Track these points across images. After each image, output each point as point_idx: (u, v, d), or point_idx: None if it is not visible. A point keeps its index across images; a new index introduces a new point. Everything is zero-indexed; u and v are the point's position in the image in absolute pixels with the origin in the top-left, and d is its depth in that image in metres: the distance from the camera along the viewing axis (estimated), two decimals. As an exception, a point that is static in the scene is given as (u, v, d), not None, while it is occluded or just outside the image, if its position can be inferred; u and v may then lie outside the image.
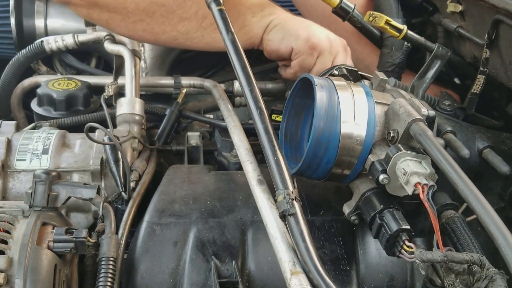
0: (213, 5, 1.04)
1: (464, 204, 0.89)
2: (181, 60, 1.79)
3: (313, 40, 1.26)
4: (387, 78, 0.98)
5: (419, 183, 0.78)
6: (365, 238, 0.97)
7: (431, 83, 1.17)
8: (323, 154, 0.89)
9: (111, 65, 1.56)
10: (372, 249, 0.96)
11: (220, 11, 1.02)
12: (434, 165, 0.80)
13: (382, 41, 1.38)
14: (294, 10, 1.74)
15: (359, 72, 1.04)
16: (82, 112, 1.36)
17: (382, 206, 0.85)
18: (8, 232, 0.83)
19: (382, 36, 1.38)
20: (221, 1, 1.04)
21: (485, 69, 1.13)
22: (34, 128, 1.26)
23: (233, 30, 1.00)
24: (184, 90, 1.46)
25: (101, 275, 0.86)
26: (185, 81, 1.52)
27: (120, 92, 1.38)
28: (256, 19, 1.28)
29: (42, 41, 1.52)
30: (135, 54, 1.37)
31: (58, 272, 0.83)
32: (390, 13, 1.37)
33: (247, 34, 1.29)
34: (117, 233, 0.96)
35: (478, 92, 1.15)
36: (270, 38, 1.30)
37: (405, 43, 1.31)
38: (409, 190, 0.80)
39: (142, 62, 1.65)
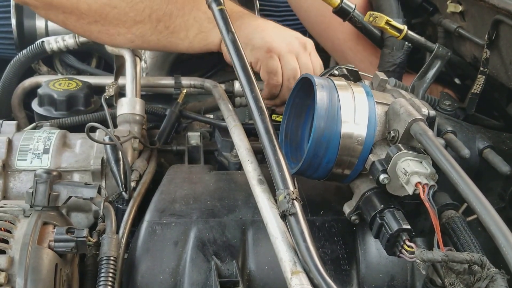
0: (213, 5, 1.04)
1: (465, 204, 0.89)
2: (181, 60, 1.80)
3: (268, 45, 1.23)
4: (387, 78, 0.99)
5: (419, 182, 0.78)
6: (365, 238, 0.97)
7: (431, 83, 1.17)
8: (324, 154, 0.89)
9: (111, 65, 1.56)
10: (373, 249, 0.96)
11: (221, 11, 1.02)
12: (435, 165, 0.80)
13: (383, 41, 1.38)
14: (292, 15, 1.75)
15: (359, 72, 1.04)
16: (83, 112, 1.36)
17: (382, 206, 0.85)
18: (9, 232, 0.83)
19: (383, 36, 1.38)
20: (222, 1, 1.04)
21: (485, 69, 1.13)
22: (35, 128, 1.26)
23: (233, 30, 1.00)
24: (185, 90, 1.46)
25: (102, 274, 0.86)
26: (186, 81, 1.52)
27: (120, 92, 1.38)
28: (212, 25, 1.25)
29: (43, 41, 1.52)
30: (135, 54, 1.37)
31: (59, 271, 0.83)
32: (391, 13, 1.37)
33: (204, 40, 1.27)
34: (117, 232, 0.96)
35: (478, 92, 1.15)
36: (225, 50, 1.24)
37: (406, 43, 1.31)
38: (410, 190, 0.80)
39: (143, 62, 1.65)
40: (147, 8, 1.22)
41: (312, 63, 1.27)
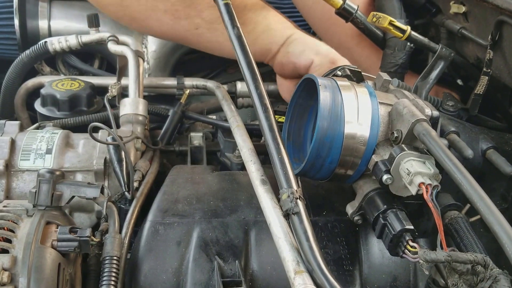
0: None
1: (468, 205, 0.88)
2: (184, 61, 1.80)
3: (332, 55, 1.24)
4: (390, 79, 0.99)
5: (423, 183, 0.78)
6: (368, 238, 0.97)
7: (434, 84, 1.17)
8: (327, 154, 0.89)
9: (114, 66, 1.56)
10: (375, 249, 0.96)
11: (226, 5, 1.01)
12: (438, 165, 0.80)
13: (385, 42, 1.38)
14: (295, 12, 1.75)
15: (362, 73, 1.04)
16: (86, 113, 1.36)
17: (385, 206, 0.85)
18: (12, 231, 0.83)
19: (385, 37, 1.38)
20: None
21: (489, 70, 1.13)
22: (37, 128, 1.27)
23: (238, 25, 0.99)
24: (187, 91, 1.46)
25: (105, 274, 0.86)
26: (188, 82, 1.52)
27: (123, 93, 1.38)
28: (281, 26, 1.26)
29: (45, 42, 1.52)
30: (138, 55, 1.37)
31: (62, 271, 0.83)
32: (393, 14, 1.37)
33: (269, 38, 1.26)
34: (120, 232, 0.96)
35: (481, 93, 1.15)
36: (289, 50, 1.28)
37: (408, 43, 1.31)
38: (413, 190, 0.80)
39: (145, 63, 1.66)
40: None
41: None
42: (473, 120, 1.17)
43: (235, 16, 1.01)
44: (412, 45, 1.32)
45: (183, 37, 1.33)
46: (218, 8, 1.03)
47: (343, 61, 1.24)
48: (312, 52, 1.25)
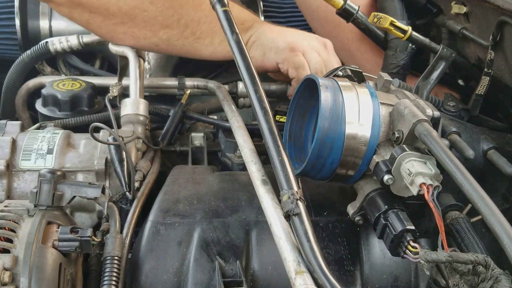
0: (217, 6, 1.04)
1: (469, 205, 0.88)
2: (185, 61, 1.79)
3: (291, 45, 1.28)
4: (391, 79, 0.99)
5: (424, 183, 0.78)
6: (369, 239, 0.97)
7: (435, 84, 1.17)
8: (328, 154, 0.89)
9: (115, 66, 1.56)
10: (376, 249, 0.96)
11: (225, 12, 1.02)
12: (439, 165, 0.80)
13: (386, 43, 1.38)
14: (296, 12, 1.75)
15: (363, 73, 1.04)
16: (87, 113, 1.36)
17: (386, 206, 0.85)
18: (14, 231, 0.83)
19: (386, 37, 1.38)
20: (226, 2, 1.04)
21: (490, 71, 1.13)
22: (38, 128, 1.27)
23: (237, 31, 1.00)
24: (188, 91, 1.46)
25: (106, 274, 0.86)
26: (189, 82, 1.52)
27: (124, 93, 1.38)
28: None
29: (46, 42, 1.53)
30: (139, 55, 1.37)
31: (63, 271, 0.83)
32: (395, 14, 1.37)
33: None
34: (121, 232, 0.96)
35: (482, 93, 1.15)
36: (252, 55, 1.29)
37: (410, 44, 1.31)
38: (414, 191, 0.80)
39: (146, 63, 1.65)
40: (176, 14, 1.23)
41: (332, 59, 1.31)
42: (474, 121, 1.17)
43: (234, 22, 1.02)
44: (413, 46, 1.32)
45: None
46: (217, 15, 1.04)
47: (301, 45, 1.28)
48: (272, 53, 1.29)
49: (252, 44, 1.32)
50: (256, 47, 1.32)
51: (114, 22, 1.23)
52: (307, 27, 1.68)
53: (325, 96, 0.89)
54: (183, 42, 1.28)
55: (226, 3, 1.05)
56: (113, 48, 1.41)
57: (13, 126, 1.18)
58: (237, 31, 1.01)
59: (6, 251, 0.81)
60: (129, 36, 1.27)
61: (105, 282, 0.85)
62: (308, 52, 1.28)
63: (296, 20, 1.77)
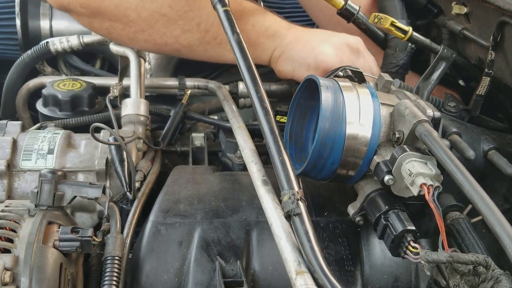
0: (218, 6, 1.04)
1: (469, 206, 0.89)
2: (185, 61, 1.79)
3: (322, 65, 1.23)
4: (392, 80, 0.99)
5: (424, 184, 0.78)
6: (369, 239, 0.97)
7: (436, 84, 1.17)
8: (328, 155, 0.89)
9: (115, 66, 1.57)
10: (377, 250, 0.96)
11: (226, 12, 1.02)
12: (440, 166, 0.80)
13: (386, 43, 1.38)
14: (297, 12, 1.75)
15: (363, 74, 1.04)
16: (87, 113, 1.36)
17: (387, 207, 0.85)
18: (14, 231, 0.83)
19: (386, 37, 1.38)
20: (227, 2, 1.04)
21: (490, 71, 1.13)
22: (39, 128, 1.27)
23: (238, 31, 1.00)
24: (189, 92, 1.46)
25: (107, 274, 0.86)
26: (190, 82, 1.52)
27: (125, 93, 1.38)
28: (260, 41, 1.25)
29: (47, 42, 1.53)
30: (140, 55, 1.37)
31: (63, 271, 0.83)
32: (395, 14, 1.37)
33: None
34: (122, 232, 0.96)
35: (483, 93, 1.15)
36: (280, 69, 1.28)
37: (409, 44, 1.31)
38: (415, 191, 0.80)
39: (147, 63, 1.66)
40: (196, 17, 1.21)
41: (367, 62, 1.28)
42: (475, 121, 1.17)
43: (235, 22, 1.01)
44: (413, 46, 1.32)
45: (174, 55, 1.41)
46: (218, 15, 1.04)
47: (333, 64, 1.21)
48: (302, 69, 1.25)
49: (279, 58, 1.28)
50: (283, 61, 1.28)
51: (134, 30, 1.22)
52: (310, 22, 1.68)
53: (326, 97, 0.89)
54: (205, 47, 1.26)
55: (227, 2, 1.05)
56: (113, 48, 1.41)
57: (13, 126, 1.18)
58: (238, 31, 1.01)
59: (7, 251, 0.81)
60: (150, 43, 1.26)
61: (106, 282, 0.85)
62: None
63: (297, 20, 1.77)
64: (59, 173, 0.93)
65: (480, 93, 1.15)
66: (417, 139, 0.84)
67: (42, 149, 1.13)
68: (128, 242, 0.97)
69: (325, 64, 1.23)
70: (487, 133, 1.07)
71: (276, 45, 1.28)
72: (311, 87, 0.98)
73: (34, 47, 1.53)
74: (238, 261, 0.93)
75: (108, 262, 0.87)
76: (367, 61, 1.28)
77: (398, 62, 1.35)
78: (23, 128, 1.19)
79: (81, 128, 1.26)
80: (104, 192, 0.96)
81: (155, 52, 1.36)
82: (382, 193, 0.88)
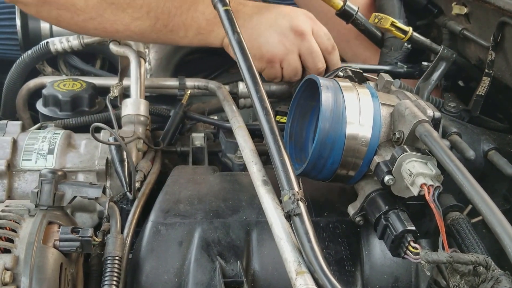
0: (219, 5, 1.04)
1: (469, 206, 0.89)
2: (185, 61, 1.80)
3: (267, 55, 1.25)
4: (392, 80, 0.99)
5: (424, 184, 0.78)
6: (369, 239, 0.97)
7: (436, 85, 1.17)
8: (328, 155, 0.89)
9: (115, 66, 1.57)
10: (377, 250, 0.96)
11: (226, 11, 1.02)
12: (440, 166, 0.80)
13: (383, 42, 1.38)
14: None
15: (364, 74, 1.04)
16: (87, 113, 1.36)
17: (387, 207, 0.85)
18: (14, 231, 0.83)
19: (383, 36, 1.38)
20: (227, 2, 1.04)
21: (491, 71, 1.13)
22: (39, 128, 1.27)
23: (239, 30, 1.00)
24: (189, 92, 1.46)
25: (107, 274, 0.86)
26: (190, 82, 1.52)
27: (125, 93, 1.38)
28: (210, 27, 1.26)
29: (47, 42, 1.53)
30: (140, 55, 1.37)
31: (64, 271, 0.83)
32: (393, 13, 1.37)
33: (203, 41, 1.28)
34: (122, 232, 0.96)
35: (483, 94, 1.15)
36: (232, 55, 1.27)
37: (405, 44, 1.31)
38: (415, 191, 0.80)
39: (147, 63, 1.66)
40: (145, 5, 1.21)
41: (312, 46, 1.27)
42: (475, 121, 1.17)
43: (235, 22, 1.01)
44: (409, 45, 1.32)
45: (126, 40, 1.40)
46: (218, 14, 1.03)
47: (277, 55, 1.24)
48: (256, 44, 1.24)
49: (228, 47, 1.27)
50: (231, 50, 1.27)
51: (83, 18, 1.21)
52: None
53: (326, 97, 0.89)
54: (157, 34, 1.26)
55: (228, 2, 1.05)
56: (114, 48, 1.41)
57: (13, 126, 1.18)
58: (239, 30, 1.01)
59: (7, 251, 0.81)
60: (100, 31, 1.25)
61: (106, 282, 0.85)
62: (285, 59, 1.26)
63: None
64: (59, 173, 0.93)
65: (480, 93, 1.15)
66: (417, 139, 0.84)
67: (42, 149, 1.13)
68: (128, 242, 0.97)
69: (270, 54, 1.25)
70: (487, 133, 1.07)
71: (224, 32, 1.28)
72: (311, 87, 0.98)
73: (34, 47, 1.53)
74: (238, 261, 0.93)
75: (108, 262, 0.87)
76: (312, 46, 1.27)
77: (392, 61, 1.35)
78: (23, 128, 1.19)
79: (81, 128, 1.26)
80: (104, 192, 0.96)
81: (106, 37, 1.36)
82: (382, 193, 0.88)
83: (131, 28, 1.24)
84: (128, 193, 1.07)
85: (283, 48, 1.25)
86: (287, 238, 0.78)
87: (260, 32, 1.26)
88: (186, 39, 1.27)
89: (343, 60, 1.41)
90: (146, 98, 1.34)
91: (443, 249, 0.75)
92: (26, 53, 1.53)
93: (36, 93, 1.50)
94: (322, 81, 0.92)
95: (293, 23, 1.26)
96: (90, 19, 1.22)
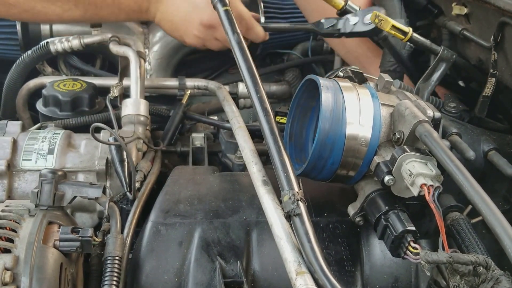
0: (219, 6, 1.04)
1: (469, 206, 0.89)
2: (185, 62, 1.80)
3: (180, 40, 1.41)
4: (392, 80, 0.99)
5: (424, 184, 0.78)
6: (369, 239, 0.97)
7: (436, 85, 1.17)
8: (328, 155, 0.89)
9: (115, 66, 1.57)
10: (377, 250, 0.96)
11: (226, 11, 1.03)
12: (440, 166, 0.80)
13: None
14: (298, 13, 1.75)
15: (364, 74, 1.04)
16: (87, 113, 1.36)
17: (387, 207, 0.85)
18: (15, 231, 0.83)
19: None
20: (227, 2, 1.04)
21: (495, 72, 1.13)
22: (39, 128, 1.27)
23: (238, 31, 1.00)
24: (189, 92, 1.46)
25: (107, 274, 0.86)
26: (190, 82, 1.52)
27: (125, 94, 1.38)
28: (138, 14, 1.38)
29: (47, 42, 1.52)
30: (140, 55, 1.37)
31: (64, 270, 0.83)
32: (394, 13, 1.37)
33: (137, 19, 1.46)
34: (122, 232, 0.96)
35: (489, 95, 1.14)
36: (161, 26, 1.43)
37: (408, 43, 1.31)
38: (415, 191, 0.80)
39: (147, 63, 1.66)
40: None
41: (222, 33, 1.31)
42: (475, 122, 1.17)
43: (235, 22, 1.01)
44: (411, 44, 1.32)
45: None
46: (218, 14, 1.04)
47: (189, 41, 1.39)
48: (177, 35, 1.40)
49: (160, 22, 1.39)
50: (163, 24, 1.41)
51: (18, 11, 1.28)
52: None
53: (326, 97, 0.89)
54: (91, 20, 1.41)
55: (227, 2, 1.05)
56: (113, 48, 1.41)
57: (13, 126, 1.18)
58: (238, 31, 1.01)
59: (7, 251, 0.81)
60: (37, 20, 1.40)
61: (106, 282, 0.85)
62: (196, 38, 1.39)
63: (297, 21, 1.77)
64: (59, 173, 0.93)
65: (486, 94, 1.15)
66: (417, 140, 0.84)
67: (42, 149, 1.13)
68: (128, 242, 0.97)
69: (182, 39, 1.41)
70: (487, 134, 1.07)
71: (155, 8, 1.38)
72: (311, 88, 0.98)
73: (34, 47, 1.53)
74: (238, 261, 0.93)
75: (108, 262, 0.87)
76: (221, 33, 1.33)
77: (395, 61, 1.35)
78: (23, 128, 1.19)
79: (81, 128, 1.26)
80: (104, 192, 0.96)
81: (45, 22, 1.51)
82: (382, 194, 0.88)
83: (63, 18, 1.33)
84: (128, 193, 1.08)
85: (200, 42, 1.39)
86: (287, 238, 0.78)
87: (178, 25, 1.39)
88: (120, 21, 1.45)
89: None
90: (146, 98, 1.34)
91: (443, 249, 0.75)
92: (26, 53, 1.53)
93: (36, 93, 1.50)
94: (322, 81, 0.92)
95: (202, 19, 1.35)
96: (24, 11, 1.29)
